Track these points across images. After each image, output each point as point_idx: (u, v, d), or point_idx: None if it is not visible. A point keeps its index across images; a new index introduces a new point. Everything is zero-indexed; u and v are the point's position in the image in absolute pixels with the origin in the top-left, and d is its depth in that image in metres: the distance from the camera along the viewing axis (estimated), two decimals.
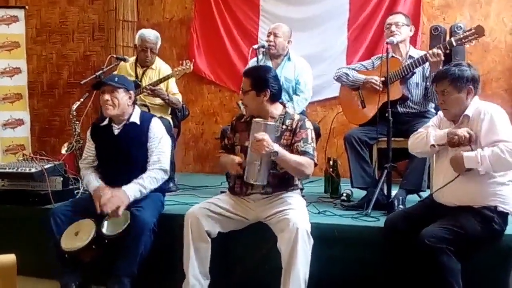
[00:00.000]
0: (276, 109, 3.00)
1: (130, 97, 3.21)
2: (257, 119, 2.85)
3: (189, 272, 2.89)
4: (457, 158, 2.56)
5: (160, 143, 3.21)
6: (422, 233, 2.47)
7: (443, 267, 2.42)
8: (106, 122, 3.27)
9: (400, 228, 2.69)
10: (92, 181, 3.24)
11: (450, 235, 2.45)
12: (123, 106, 3.17)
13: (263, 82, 2.94)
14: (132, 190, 3.06)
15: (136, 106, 3.33)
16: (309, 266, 2.72)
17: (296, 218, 2.73)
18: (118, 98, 3.14)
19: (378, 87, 3.55)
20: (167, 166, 3.22)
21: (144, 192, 3.10)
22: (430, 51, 3.34)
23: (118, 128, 3.23)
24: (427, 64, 3.48)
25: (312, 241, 2.73)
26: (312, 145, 2.93)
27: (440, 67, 3.32)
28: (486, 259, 2.68)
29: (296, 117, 3.00)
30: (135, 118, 3.23)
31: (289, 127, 2.95)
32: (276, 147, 2.76)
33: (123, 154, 3.17)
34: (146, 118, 3.27)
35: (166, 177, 3.23)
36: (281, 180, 2.93)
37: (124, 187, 3.05)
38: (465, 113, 2.64)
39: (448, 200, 2.68)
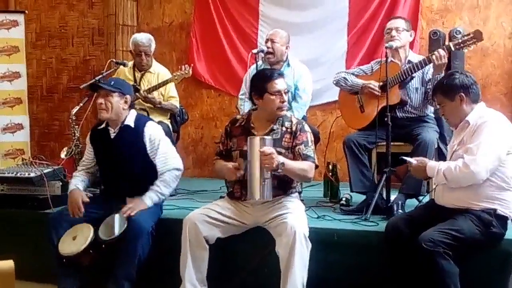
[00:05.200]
0: None
1: (125, 101, 3.20)
2: (252, 137, 2.84)
3: (185, 279, 2.88)
4: (420, 166, 2.73)
5: (160, 146, 3.20)
6: (420, 237, 2.48)
7: (441, 271, 2.42)
8: (103, 125, 3.27)
9: (402, 232, 2.69)
10: (72, 182, 3.29)
11: (448, 239, 2.46)
12: (116, 110, 3.16)
13: None
14: (149, 197, 3.13)
15: (132, 109, 3.31)
16: (307, 269, 2.72)
17: (294, 222, 2.73)
18: (112, 102, 3.13)
19: (376, 93, 3.56)
20: (175, 164, 3.22)
21: (162, 197, 3.20)
22: (436, 52, 3.31)
23: (114, 132, 3.23)
24: (426, 68, 3.48)
25: (310, 244, 2.73)
26: (312, 148, 2.96)
27: (443, 70, 3.33)
28: (485, 263, 2.68)
29: (294, 119, 3.02)
30: (130, 121, 3.22)
31: (288, 129, 2.96)
32: (282, 159, 2.76)
33: (120, 158, 3.18)
34: (141, 122, 3.25)
35: (178, 173, 3.24)
36: (280, 183, 2.92)
37: (143, 196, 3.12)
38: (466, 118, 2.68)
39: (447, 201, 2.69)
